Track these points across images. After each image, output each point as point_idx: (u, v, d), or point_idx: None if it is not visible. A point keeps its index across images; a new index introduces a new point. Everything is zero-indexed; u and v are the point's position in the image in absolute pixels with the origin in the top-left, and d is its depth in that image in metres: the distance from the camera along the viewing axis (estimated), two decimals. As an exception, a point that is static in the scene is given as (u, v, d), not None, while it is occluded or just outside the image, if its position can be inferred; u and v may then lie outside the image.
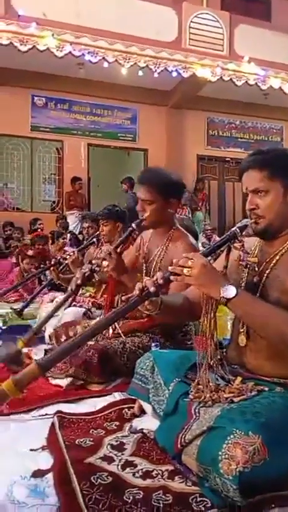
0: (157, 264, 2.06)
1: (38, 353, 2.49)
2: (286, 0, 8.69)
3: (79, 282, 2.17)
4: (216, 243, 1.41)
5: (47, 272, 4.08)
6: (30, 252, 5.61)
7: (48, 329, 2.75)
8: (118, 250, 2.03)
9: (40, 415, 1.67)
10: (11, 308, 3.68)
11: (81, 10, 6.75)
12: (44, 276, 4.88)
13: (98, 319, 2.51)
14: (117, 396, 1.83)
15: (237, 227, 1.39)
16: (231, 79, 7.64)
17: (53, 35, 6.52)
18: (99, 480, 1.20)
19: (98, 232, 3.15)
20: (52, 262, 3.31)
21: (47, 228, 7.30)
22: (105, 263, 1.96)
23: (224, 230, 9.16)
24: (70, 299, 2.50)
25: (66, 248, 6.84)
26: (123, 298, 1.32)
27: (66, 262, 3.07)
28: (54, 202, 8.66)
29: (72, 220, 7.84)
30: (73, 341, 1.31)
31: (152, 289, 1.29)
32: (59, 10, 6.60)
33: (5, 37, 6.36)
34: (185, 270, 1.26)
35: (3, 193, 8.24)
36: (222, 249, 1.42)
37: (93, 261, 2.21)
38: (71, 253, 3.05)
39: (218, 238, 7.59)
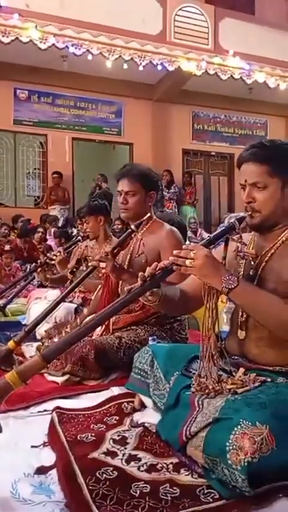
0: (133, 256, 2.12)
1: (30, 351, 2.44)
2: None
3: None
4: (214, 234, 1.41)
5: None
6: (7, 247, 5.68)
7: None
8: (115, 251, 2.02)
9: (39, 412, 1.65)
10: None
11: (65, 1, 6.62)
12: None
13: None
14: (114, 391, 1.82)
15: (236, 219, 1.39)
16: (216, 73, 7.65)
17: (36, 26, 6.41)
18: (104, 475, 1.19)
19: (79, 229, 3.12)
20: (38, 263, 3.22)
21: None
22: (102, 264, 1.94)
23: (209, 224, 9.22)
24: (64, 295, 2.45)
25: (50, 243, 6.84)
26: (126, 288, 1.31)
27: (53, 263, 3.01)
28: (38, 197, 8.55)
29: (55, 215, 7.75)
30: (77, 331, 1.30)
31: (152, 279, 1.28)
32: (42, 1, 6.47)
33: (-13, 29, 6.23)
34: (188, 262, 1.26)
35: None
36: (220, 240, 1.42)
37: (90, 264, 2.19)
38: (57, 253, 2.99)
39: (204, 233, 7.64)
